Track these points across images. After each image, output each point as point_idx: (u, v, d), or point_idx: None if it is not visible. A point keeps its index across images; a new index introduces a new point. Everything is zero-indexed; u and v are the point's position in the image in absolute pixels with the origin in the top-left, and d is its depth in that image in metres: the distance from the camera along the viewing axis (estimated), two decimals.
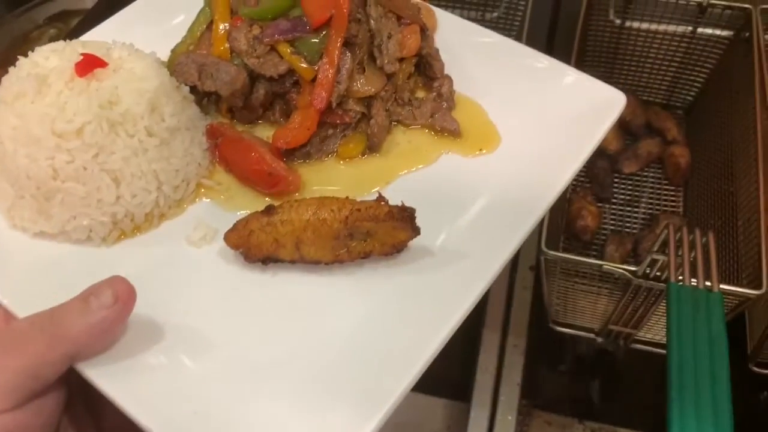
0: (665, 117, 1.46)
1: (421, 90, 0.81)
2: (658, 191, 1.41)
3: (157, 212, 0.68)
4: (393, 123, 0.77)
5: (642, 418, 1.22)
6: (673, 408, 0.72)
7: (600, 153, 1.39)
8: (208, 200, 0.71)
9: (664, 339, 1.08)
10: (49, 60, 0.66)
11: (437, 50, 0.79)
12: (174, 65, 0.75)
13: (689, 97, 1.49)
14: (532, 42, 0.94)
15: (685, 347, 0.78)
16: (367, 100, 0.76)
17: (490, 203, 0.69)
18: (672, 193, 1.41)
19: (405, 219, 0.61)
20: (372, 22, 0.76)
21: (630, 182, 1.43)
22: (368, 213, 0.61)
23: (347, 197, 0.63)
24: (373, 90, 0.75)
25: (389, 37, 0.76)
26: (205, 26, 0.82)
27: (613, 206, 1.39)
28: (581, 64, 1.27)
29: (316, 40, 0.73)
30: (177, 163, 0.68)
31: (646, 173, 1.43)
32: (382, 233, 0.62)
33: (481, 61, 0.83)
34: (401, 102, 0.78)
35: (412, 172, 0.74)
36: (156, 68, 0.69)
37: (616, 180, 1.42)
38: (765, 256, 0.98)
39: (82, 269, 0.64)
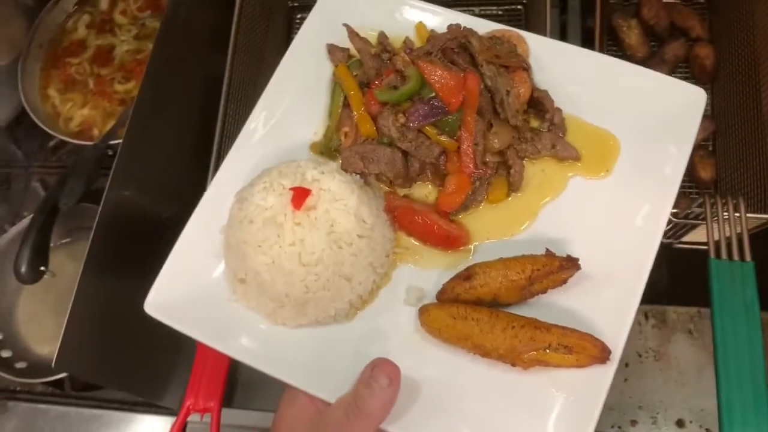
0: (687, 14, 1.54)
1: (533, 119, 0.97)
2: None
3: (375, 287, 0.89)
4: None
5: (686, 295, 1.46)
6: (719, 366, 0.93)
7: (629, 59, 1.51)
8: (405, 264, 0.92)
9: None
10: (267, 200, 0.84)
11: (546, 92, 0.94)
12: (342, 161, 0.92)
13: None
14: None
15: (726, 315, 0.96)
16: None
17: (617, 221, 0.88)
18: None
19: (572, 266, 0.82)
20: (488, 80, 0.91)
21: None
22: (545, 269, 0.82)
23: (524, 257, 0.84)
24: (505, 144, 0.92)
25: (507, 93, 0.91)
26: (341, 104, 0.98)
27: None
28: None
29: (453, 118, 0.89)
30: (380, 248, 0.88)
31: (675, 75, 1.53)
32: (554, 276, 0.83)
33: (571, 77, 0.97)
34: (524, 140, 0.94)
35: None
36: (347, 182, 0.87)
37: None
38: None
39: (339, 341, 0.87)
